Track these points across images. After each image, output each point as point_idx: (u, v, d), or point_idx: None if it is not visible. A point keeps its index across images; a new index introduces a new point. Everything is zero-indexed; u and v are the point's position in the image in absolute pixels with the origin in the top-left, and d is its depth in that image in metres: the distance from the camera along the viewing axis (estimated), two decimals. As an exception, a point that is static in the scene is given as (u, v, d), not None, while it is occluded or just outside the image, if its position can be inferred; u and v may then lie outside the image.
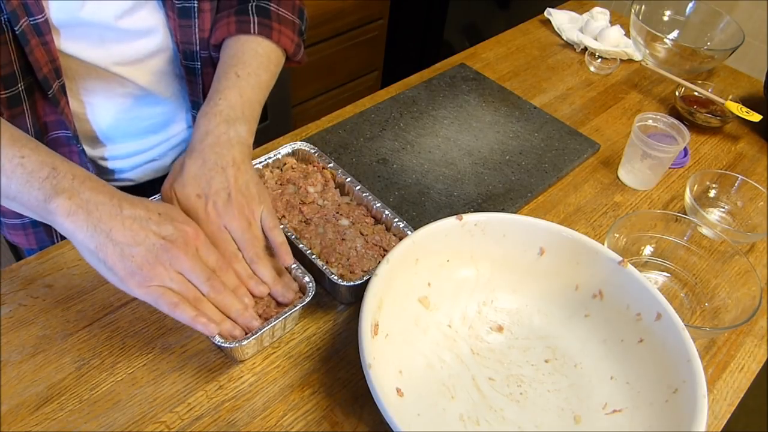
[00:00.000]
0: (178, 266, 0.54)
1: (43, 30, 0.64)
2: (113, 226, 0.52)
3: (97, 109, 0.76)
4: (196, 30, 0.75)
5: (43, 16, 0.63)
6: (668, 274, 0.78)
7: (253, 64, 0.72)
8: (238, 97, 0.68)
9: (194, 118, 0.84)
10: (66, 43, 0.68)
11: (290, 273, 0.64)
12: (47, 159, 0.53)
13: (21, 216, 0.81)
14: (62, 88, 0.70)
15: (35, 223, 0.82)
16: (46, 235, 0.83)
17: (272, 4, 0.76)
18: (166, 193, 0.64)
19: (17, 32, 0.62)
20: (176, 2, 0.72)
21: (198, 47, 0.77)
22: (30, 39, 0.63)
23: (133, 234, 0.52)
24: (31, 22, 0.63)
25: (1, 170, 0.52)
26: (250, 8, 0.74)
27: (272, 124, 1.74)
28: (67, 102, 0.72)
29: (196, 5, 0.73)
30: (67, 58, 0.69)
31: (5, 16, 0.61)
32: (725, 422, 0.64)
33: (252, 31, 0.73)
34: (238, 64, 0.71)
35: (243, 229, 0.61)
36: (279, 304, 0.62)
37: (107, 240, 0.52)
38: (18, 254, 1.00)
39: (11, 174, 0.52)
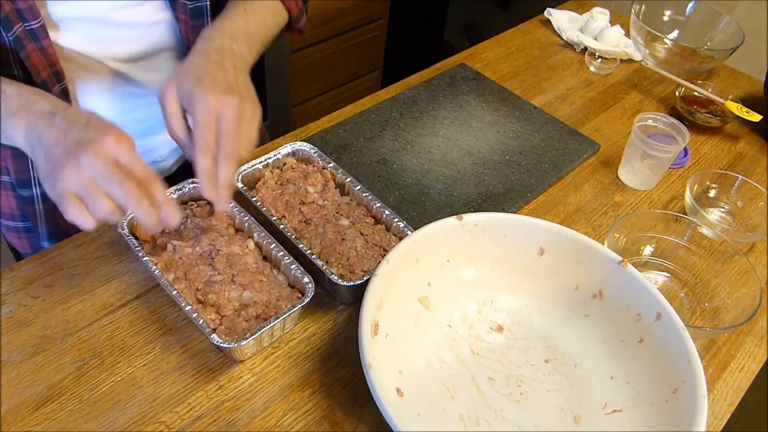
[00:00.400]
0: (87, 169, 0.53)
1: (40, 35, 0.64)
2: (43, 132, 0.55)
3: (96, 109, 0.76)
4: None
5: (38, 22, 0.63)
6: (668, 274, 0.78)
7: (260, 6, 0.74)
8: (243, 24, 0.70)
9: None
10: (65, 39, 0.68)
11: (281, 266, 0.64)
12: None
13: (15, 219, 0.81)
14: (64, 92, 0.70)
15: (28, 228, 0.82)
16: (36, 240, 0.83)
17: None
18: (162, 89, 0.63)
19: (10, 38, 0.62)
20: (188, 3, 0.72)
21: None
22: (26, 44, 0.63)
23: (55, 138, 0.54)
24: (27, 28, 0.63)
25: None
26: None
27: (272, 124, 1.74)
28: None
29: (207, 3, 0.73)
30: (66, 57, 0.69)
31: None
32: (725, 422, 0.64)
33: None
34: (246, 2, 0.72)
35: (233, 121, 0.60)
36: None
37: (38, 144, 0.55)
38: (18, 254, 1.00)
39: None
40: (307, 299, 0.61)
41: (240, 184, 0.71)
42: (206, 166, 0.59)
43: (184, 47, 0.77)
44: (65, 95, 0.70)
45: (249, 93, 0.63)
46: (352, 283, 0.63)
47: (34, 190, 0.78)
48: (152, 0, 0.71)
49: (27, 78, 0.66)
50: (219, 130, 0.60)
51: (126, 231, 0.64)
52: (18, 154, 0.75)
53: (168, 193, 0.58)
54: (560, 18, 1.22)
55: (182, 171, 0.91)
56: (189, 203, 0.70)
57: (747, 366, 0.69)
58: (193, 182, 0.70)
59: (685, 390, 0.55)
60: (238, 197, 0.71)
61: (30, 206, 0.79)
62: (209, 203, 0.71)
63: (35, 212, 0.79)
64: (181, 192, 0.70)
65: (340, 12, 1.78)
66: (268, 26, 0.75)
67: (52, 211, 0.80)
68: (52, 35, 0.66)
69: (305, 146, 0.77)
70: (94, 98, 0.75)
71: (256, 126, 0.63)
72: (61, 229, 0.82)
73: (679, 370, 0.56)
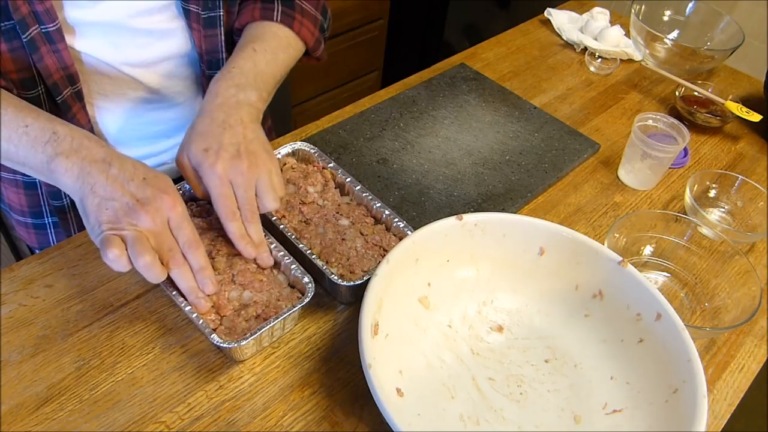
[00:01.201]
0: (143, 224, 0.55)
1: (55, 38, 0.64)
2: (98, 180, 0.56)
3: (109, 113, 0.77)
4: (222, 37, 0.76)
5: (55, 25, 0.63)
6: (668, 274, 0.78)
7: (271, 43, 0.73)
8: (251, 66, 0.69)
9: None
10: (80, 43, 0.68)
11: (281, 266, 0.65)
12: (48, 125, 0.58)
13: (24, 215, 0.82)
14: (77, 95, 0.70)
15: (37, 225, 0.82)
16: (45, 237, 0.84)
17: None
18: (177, 157, 0.64)
19: (25, 40, 0.62)
20: (201, 13, 0.72)
21: (224, 54, 0.77)
22: (40, 47, 0.64)
23: (112, 190, 0.55)
24: (43, 31, 0.63)
25: (10, 140, 0.57)
26: None
27: (272, 124, 1.74)
28: (82, 108, 0.72)
29: (221, 14, 0.74)
30: (80, 60, 0.69)
31: (14, 24, 0.61)
32: (725, 422, 0.64)
33: (275, 18, 0.75)
34: (256, 41, 0.72)
35: (247, 186, 0.61)
36: (274, 308, 0.61)
37: (90, 192, 0.55)
38: (18, 254, 1.00)
39: (18, 142, 0.57)
40: (307, 299, 0.61)
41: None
42: (237, 230, 0.62)
43: (196, 54, 0.77)
44: (79, 98, 0.70)
45: (259, 147, 0.63)
46: (352, 283, 0.63)
47: (65, 200, 0.79)
48: (167, 8, 0.71)
49: (40, 80, 0.67)
50: (236, 196, 0.62)
51: None
52: None
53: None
54: (560, 18, 1.22)
55: None
56: (189, 203, 0.70)
57: (747, 366, 0.69)
58: None
59: (685, 390, 0.55)
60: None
61: (62, 213, 0.80)
62: (209, 203, 0.71)
63: (67, 218, 0.81)
64: (181, 192, 0.70)
65: (340, 12, 1.78)
66: (281, 63, 0.74)
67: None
68: (68, 40, 0.67)
69: (305, 146, 0.77)
70: (105, 102, 0.75)
71: (275, 175, 0.64)
72: None
73: (679, 370, 0.56)
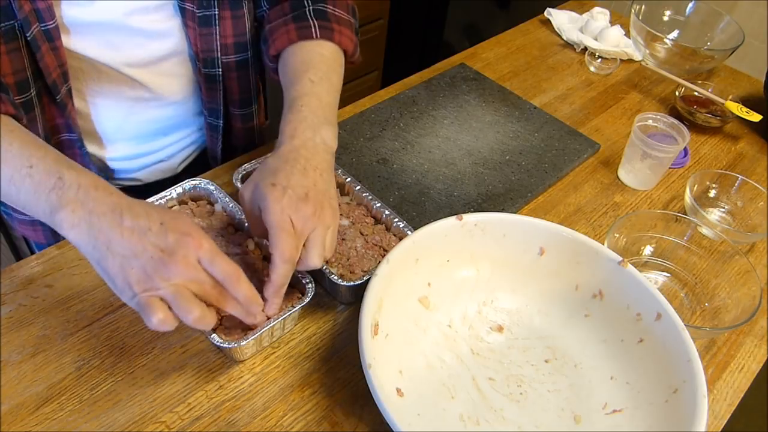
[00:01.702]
0: (177, 277, 0.51)
1: (54, 36, 0.64)
2: (113, 237, 0.50)
3: (105, 111, 0.77)
4: (218, 37, 0.75)
5: (54, 22, 0.64)
6: (668, 274, 0.78)
7: (323, 68, 0.70)
8: (318, 102, 0.66)
9: (208, 122, 0.84)
10: (76, 43, 0.68)
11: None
12: (54, 167, 0.52)
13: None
14: (69, 92, 0.70)
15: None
16: (53, 233, 0.83)
17: (328, 6, 0.74)
18: (240, 191, 0.61)
19: (29, 38, 0.62)
20: (197, 11, 0.72)
21: (219, 53, 0.77)
22: (41, 45, 0.64)
23: (131, 246, 0.50)
24: (42, 28, 0.63)
25: (12, 181, 0.52)
26: (307, 13, 0.73)
27: (272, 124, 1.74)
28: (74, 105, 0.72)
29: (216, 13, 0.73)
30: (77, 59, 0.69)
31: (18, 23, 0.61)
32: (725, 422, 0.64)
33: (314, 35, 0.71)
34: (309, 70, 0.69)
35: (304, 232, 0.57)
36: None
37: (107, 252, 0.50)
38: (18, 254, 1.00)
39: (20, 185, 0.52)
40: (307, 299, 0.60)
41: (240, 184, 0.71)
42: (283, 278, 0.57)
43: (192, 53, 0.77)
44: (70, 95, 0.70)
45: (326, 197, 0.60)
46: (352, 283, 0.63)
47: None
48: (163, 7, 0.71)
49: (37, 78, 0.66)
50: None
51: None
52: None
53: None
54: (560, 18, 1.22)
55: (188, 171, 0.91)
56: (189, 203, 0.70)
57: (747, 366, 0.69)
58: (192, 182, 0.70)
59: (685, 390, 0.55)
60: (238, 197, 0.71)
61: None
62: (210, 203, 0.71)
63: None
64: (181, 192, 0.70)
65: (340, 12, 1.77)
66: (336, 86, 0.71)
67: None
68: (65, 39, 0.67)
69: (305, 146, 0.77)
70: (102, 100, 0.75)
71: (331, 233, 0.59)
72: None
73: (679, 370, 0.56)
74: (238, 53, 0.79)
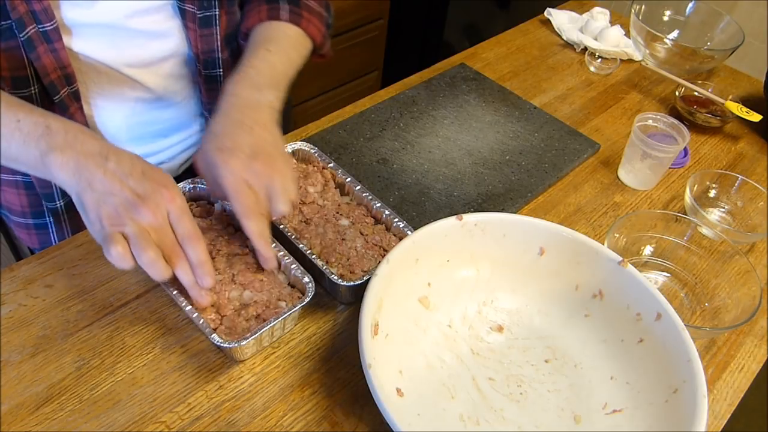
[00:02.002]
0: (144, 220, 0.54)
1: (53, 37, 0.64)
2: (95, 175, 0.54)
3: (107, 113, 0.77)
4: (218, 37, 0.76)
5: (53, 24, 0.63)
6: (668, 274, 0.78)
7: (283, 43, 0.73)
8: (269, 69, 0.69)
9: (208, 122, 0.85)
10: (78, 44, 0.68)
11: (281, 266, 0.65)
12: (40, 119, 0.56)
13: (26, 216, 0.82)
14: (74, 95, 0.70)
15: (38, 225, 0.83)
16: (47, 236, 0.84)
17: None
18: (194, 158, 0.64)
19: (22, 39, 0.62)
20: (197, 13, 0.72)
21: (219, 53, 0.77)
22: (37, 46, 0.64)
23: (110, 186, 0.54)
24: (41, 30, 0.63)
25: (2, 136, 0.56)
26: None
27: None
28: (79, 108, 0.72)
29: (217, 13, 0.74)
30: (78, 60, 0.69)
31: (12, 23, 0.61)
32: (725, 422, 0.64)
33: (282, 17, 0.75)
34: (269, 42, 0.72)
35: (260, 187, 0.60)
36: (274, 307, 0.61)
37: (88, 187, 0.54)
38: (18, 254, 1.00)
39: (10, 138, 0.56)
40: (308, 299, 0.60)
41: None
42: (256, 228, 0.60)
43: (193, 54, 0.77)
44: (75, 98, 0.70)
45: (275, 149, 0.62)
46: (352, 283, 0.63)
47: (58, 203, 0.78)
48: (163, 8, 0.71)
49: (36, 78, 0.66)
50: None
51: None
52: None
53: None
54: (560, 18, 1.22)
55: (188, 172, 0.91)
56: (189, 203, 0.70)
57: (747, 366, 0.69)
58: (192, 182, 0.70)
59: (685, 390, 0.55)
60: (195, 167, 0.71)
61: (56, 216, 0.80)
62: (210, 203, 0.71)
63: (60, 221, 0.81)
64: (182, 191, 0.70)
65: (340, 12, 1.78)
66: (293, 62, 0.74)
67: (76, 218, 0.80)
68: (66, 40, 0.67)
69: (305, 146, 0.77)
70: (104, 101, 0.75)
71: (289, 179, 0.62)
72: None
73: (679, 370, 0.56)
74: (244, 38, 0.80)
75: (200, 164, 0.63)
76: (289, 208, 0.62)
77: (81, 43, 0.68)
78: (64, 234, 0.82)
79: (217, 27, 0.75)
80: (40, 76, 0.66)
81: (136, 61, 0.73)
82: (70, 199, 0.76)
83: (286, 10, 0.75)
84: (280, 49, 0.72)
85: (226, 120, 0.63)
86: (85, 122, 0.74)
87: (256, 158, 0.60)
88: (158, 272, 0.55)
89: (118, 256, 0.53)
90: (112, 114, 0.77)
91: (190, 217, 0.57)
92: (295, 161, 0.77)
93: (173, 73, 0.78)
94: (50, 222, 0.83)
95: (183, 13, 0.72)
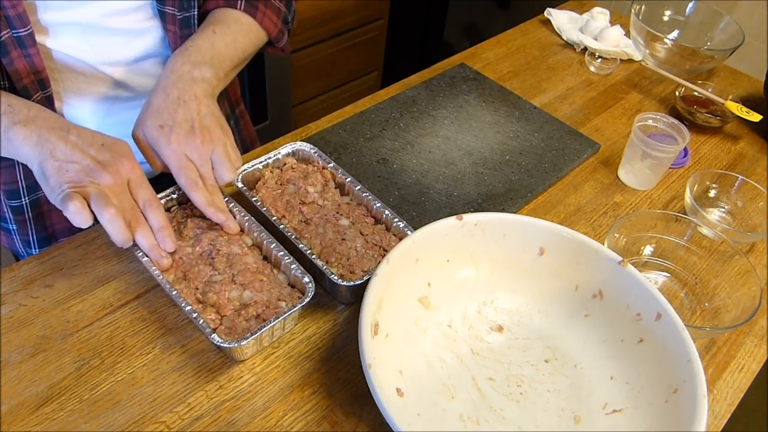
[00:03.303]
0: (103, 185, 0.57)
1: (27, 43, 0.64)
2: (57, 146, 0.57)
3: (83, 112, 0.76)
4: None
5: (27, 30, 0.63)
6: (668, 274, 0.78)
7: (232, 27, 0.74)
8: (209, 46, 0.70)
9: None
10: (54, 42, 0.68)
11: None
12: (3, 98, 0.59)
13: (5, 221, 0.81)
14: (47, 99, 0.69)
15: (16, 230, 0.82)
16: (29, 245, 0.83)
17: None
18: (133, 133, 0.66)
19: None
20: (177, 14, 0.72)
21: None
22: (10, 51, 0.63)
23: (72, 155, 0.57)
24: (14, 35, 0.63)
25: None
26: None
27: (272, 124, 1.74)
28: (54, 111, 0.71)
29: (196, 13, 0.74)
30: (54, 60, 0.69)
31: None
32: (725, 422, 0.64)
33: (238, 7, 0.76)
34: (216, 24, 0.73)
35: (203, 160, 0.64)
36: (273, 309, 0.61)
37: (50, 156, 0.57)
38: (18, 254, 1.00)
39: None
40: (308, 299, 0.60)
41: (240, 184, 0.71)
42: (203, 198, 0.63)
43: (171, 53, 0.77)
44: (49, 102, 0.70)
45: (212, 122, 0.65)
46: (352, 283, 0.63)
47: (23, 200, 0.78)
48: (142, 8, 0.71)
49: (9, 83, 0.66)
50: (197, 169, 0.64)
51: None
52: (7, 166, 0.75)
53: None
54: (560, 18, 1.22)
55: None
56: (188, 203, 0.70)
57: (747, 366, 0.69)
58: None
59: (685, 390, 0.55)
60: (238, 197, 0.71)
61: (19, 215, 0.79)
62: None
63: (25, 221, 0.80)
64: (179, 192, 0.70)
65: (340, 12, 1.78)
66: (240, 46, 0.75)
67: (41, 218, 0.80)
68: (42, 39, 0.67)
69: (305, 146, 0.77)
70: (81, 101, 0.75)
71: (230, 147, 0.66)
72: (50, 235, 0.82)
73: (679, 370, 0.56)
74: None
75: (140, 137, 0.65)
76: (234, 174, 0.65)
77: (57, 42, 0.68)
78: (28, 236, 0.82)
79: (195, 27, 0.75)
80: (13, 81, 0.66)
81: (114, 60, 0.73)
82: (36, 198, 0.76)
83: (242, 1, 0.77)
84: (226, 32, 0.73)
85: (164, 96, 0.65)
86: None
87: (194, 133, 0.63)
88: (118, 231, 0.57)
89: (75, 209, 0.54)
90: (87, 112, 0.76)
91: (149, 185, 0.61)
92: (294, 161, 0.77)
93: (151, 71, 0.78)
94: (14, 230, 0.82)
95: (163, 15, 0.72)
